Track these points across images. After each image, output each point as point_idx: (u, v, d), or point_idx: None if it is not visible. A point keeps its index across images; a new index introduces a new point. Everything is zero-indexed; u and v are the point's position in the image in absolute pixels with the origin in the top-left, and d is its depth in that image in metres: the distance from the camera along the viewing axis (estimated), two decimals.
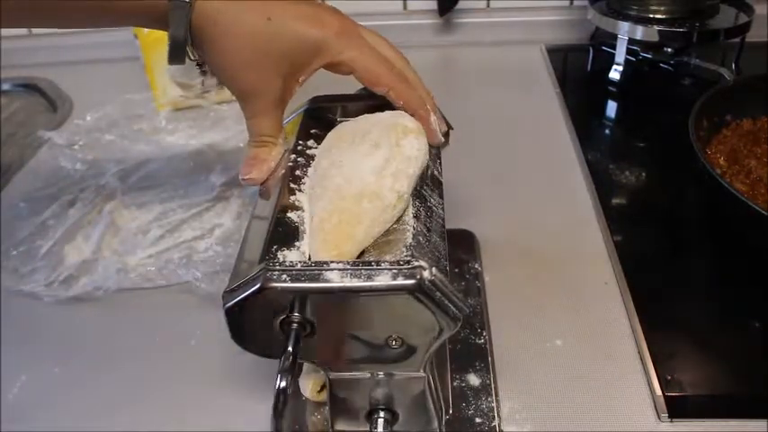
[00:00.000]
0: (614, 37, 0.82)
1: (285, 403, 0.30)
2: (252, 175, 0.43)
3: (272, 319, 0.33)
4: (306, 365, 0.40)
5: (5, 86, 0.94)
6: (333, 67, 0.44)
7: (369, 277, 0.31)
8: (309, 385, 0.41)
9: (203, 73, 0.46)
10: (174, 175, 0.69)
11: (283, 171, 0.42)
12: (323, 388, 0.40)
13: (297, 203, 0.39)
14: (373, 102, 0.46)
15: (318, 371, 0.40)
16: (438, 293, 0.31)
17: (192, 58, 0.44)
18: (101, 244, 0.60)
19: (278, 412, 0.30)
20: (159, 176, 0.69)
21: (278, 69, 0.43)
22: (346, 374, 0.36)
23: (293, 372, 0.31)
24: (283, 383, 0.30)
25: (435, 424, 0.39)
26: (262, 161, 0.43)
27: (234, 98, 0.45)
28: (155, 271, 0.57)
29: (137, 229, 0.62)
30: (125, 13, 0.43)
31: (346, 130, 0.43)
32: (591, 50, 0.90)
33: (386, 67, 0.44)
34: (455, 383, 0.46)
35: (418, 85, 0.46)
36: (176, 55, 0.43)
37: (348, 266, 0.32)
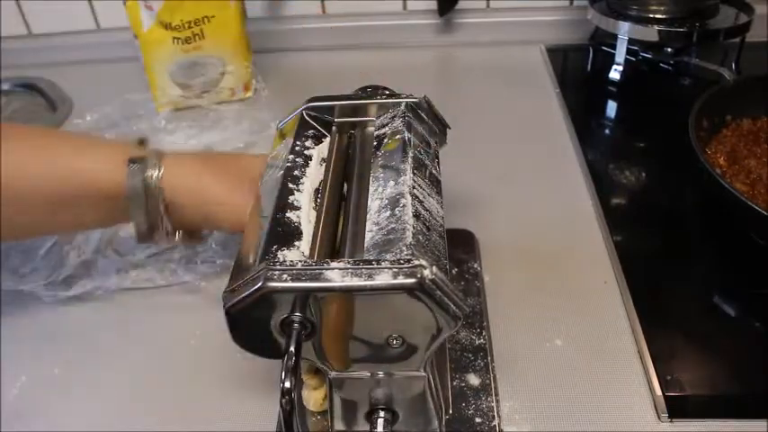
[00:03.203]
0: (614, 37, 0.82)
1: (293, 403, 0.30)
2: None
3: (273, 319, 0.33)
4: (305, 377, 0.40)
5: (5, 86, 0.94)
6: None
7: (369, 276, 0.31)
8: (312, 399, 0.41)
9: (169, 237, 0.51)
10: None
11: (282, 172, 0.42)
12: (325, 398, 0.41)
13: (296, 203, 0.39)
14: (370, 101, 0.46)
15: (320, 383, 0.40)
16: (438, 292, 0.31)
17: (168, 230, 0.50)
18: (101, 244, 0.60)
19: (287, 412, 0.30)
20: None
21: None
22: (346, 374, 0.36)
23: (297, 372, 0.31)
24: (288, 384, 0.30)
25: (435, 424, 0.39)
26: None
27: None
28: (154, 271, 0.57)
29: None
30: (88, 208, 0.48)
31: None
32: (591, 50, 0.90)
33: None
34: (455, 383, 0.46)
35: None
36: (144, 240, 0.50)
37: (349, 266, 0.32)
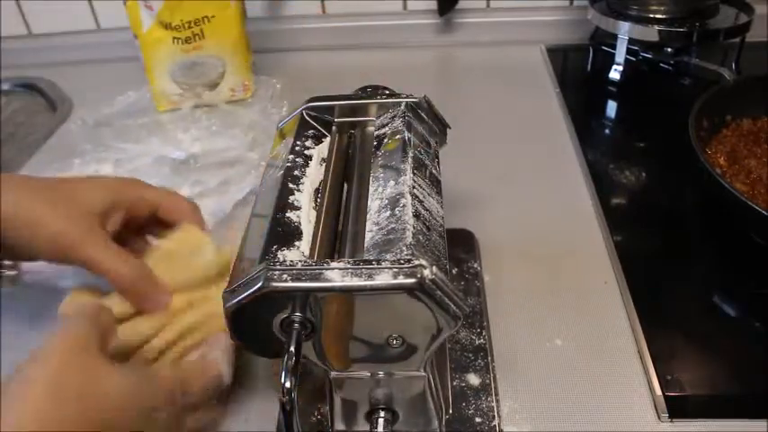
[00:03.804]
0: (614, 37, 0.82)
1: (293, 403, 0.30)
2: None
3: (273, 318, 0.33)
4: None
5: (5, 86, 0.95)
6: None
7: (369, 276, 0.31)
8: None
9: None
10: (172, 174, 0.69)
11: (282, 172, 0.42)
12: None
13: (296, 203, 0.39)
14: (370, 101, 0.46)
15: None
16: (438, 292, 0.31)
17: None
18: None
19: (287, 412, 0.30)
20: (159, 176, 0.69)
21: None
22: (346, 374, 0.36)
23: (297, 371, 0.31)
24: (288, 383, 0.30)
25: (435, 423, 0.40)
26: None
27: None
28: None
29: None
30: None
31: None
32: (591, 50, 0.90)
33: None
34: (455, 383, 0.46)
35: None
36: None
37: (349, 266, 0.32)
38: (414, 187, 0.38)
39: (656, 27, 0.79)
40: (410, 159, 0.41)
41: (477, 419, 0.43)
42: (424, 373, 0.36)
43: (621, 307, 0.52)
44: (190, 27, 0.78)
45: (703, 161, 0.54)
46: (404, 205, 0.37)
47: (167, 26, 0.77)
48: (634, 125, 0.78)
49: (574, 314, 0.51)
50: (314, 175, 0.42)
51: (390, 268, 0.32)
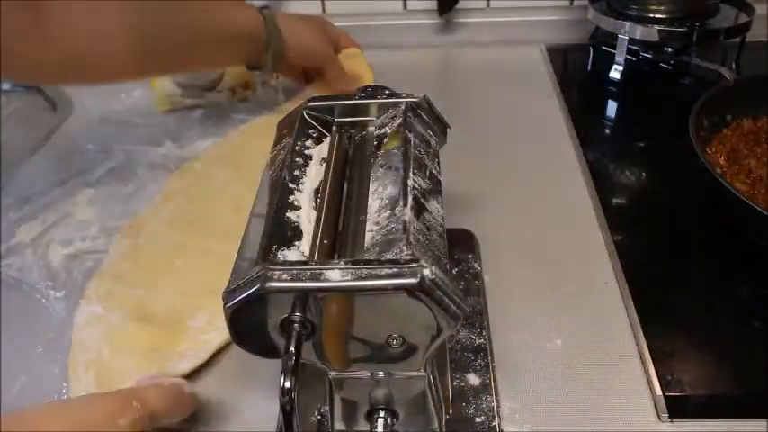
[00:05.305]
0: (614, 37, 0.82)
1: (293, 403, 0.30)
2: None
3: (273, 319, 0.33)
4: None
5: (5, 86, 0.94)
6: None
7: (369, 276, 0.31)
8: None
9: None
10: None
11: (282, 172, 0.42)
12: None
13: (296, 203, 0.39)
14: (370, 101, 0.46)
15: None
16: (438, 292, 0.31)
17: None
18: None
19: (287, 412, 0.30)
20: (161, 175, 0.69)
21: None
22: (346, 374, 0.36)
23: (297, 372, 0.31)
24: (288, 384, 0.30)
25: (435, 424, 0.40)
26: None
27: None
28: None
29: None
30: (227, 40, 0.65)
31: None
32: (591, 50, 0.90)
33: None
34: (455, 383, 0.46)
35: None
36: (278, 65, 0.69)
37: (349, 265, 0.32)
38: (414, 187, 0.38)
39: (656, 27, 0.79)
40: (410, 159, 0.41)
41: (477, 419, 0.43)
42: (424, 374, 0.36)
43: (621, 307, 0.52)
44: None
45: (703, 161, 0.54)
46: (404, 205, 0.37)
47: None
48: (634, 125, 0.78)
49: (574, 314, 0.51)
50: (314, 175, 0.42)
51: (390, 268, 0.32)
